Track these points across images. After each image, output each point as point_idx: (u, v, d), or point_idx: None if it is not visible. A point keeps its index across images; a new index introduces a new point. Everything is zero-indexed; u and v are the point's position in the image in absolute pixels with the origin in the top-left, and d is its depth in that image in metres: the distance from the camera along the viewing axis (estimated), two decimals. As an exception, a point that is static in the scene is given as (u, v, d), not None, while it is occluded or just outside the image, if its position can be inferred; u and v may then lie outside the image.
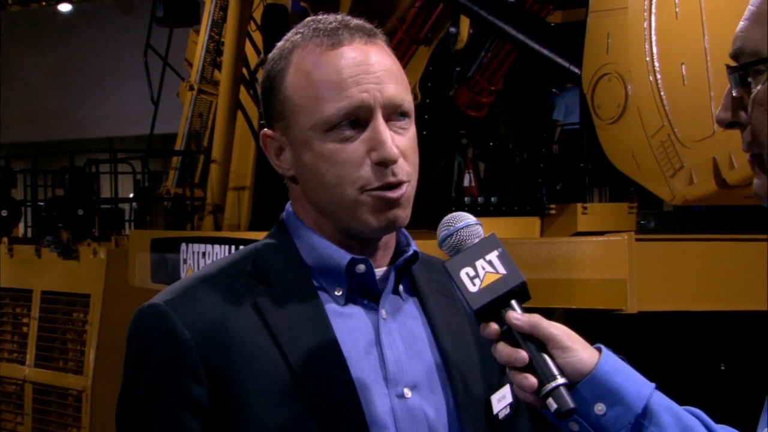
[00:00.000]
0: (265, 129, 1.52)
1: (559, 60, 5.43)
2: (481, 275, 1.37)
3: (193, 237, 6.00)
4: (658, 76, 4.05)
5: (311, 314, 1.45)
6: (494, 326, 1.36)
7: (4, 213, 8.94)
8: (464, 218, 1.42)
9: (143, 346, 1.44)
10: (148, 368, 1.43)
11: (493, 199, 8.05)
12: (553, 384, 1.32)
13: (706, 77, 3.88)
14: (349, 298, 1.48)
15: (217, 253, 5.45)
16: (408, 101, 1.47)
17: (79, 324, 7.63)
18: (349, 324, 1.46)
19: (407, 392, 1.45)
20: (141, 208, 9.25)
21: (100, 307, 7.40)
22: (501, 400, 1.53)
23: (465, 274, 1.37)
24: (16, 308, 8.37)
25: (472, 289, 1.36)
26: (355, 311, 1.48)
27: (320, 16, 1.50)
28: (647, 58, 4.07)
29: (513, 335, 1.35)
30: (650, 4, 4.08)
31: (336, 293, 1.47)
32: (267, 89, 1.50)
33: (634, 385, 1.34)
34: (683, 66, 3.98)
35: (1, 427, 8.15)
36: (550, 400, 1.32)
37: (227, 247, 5.35)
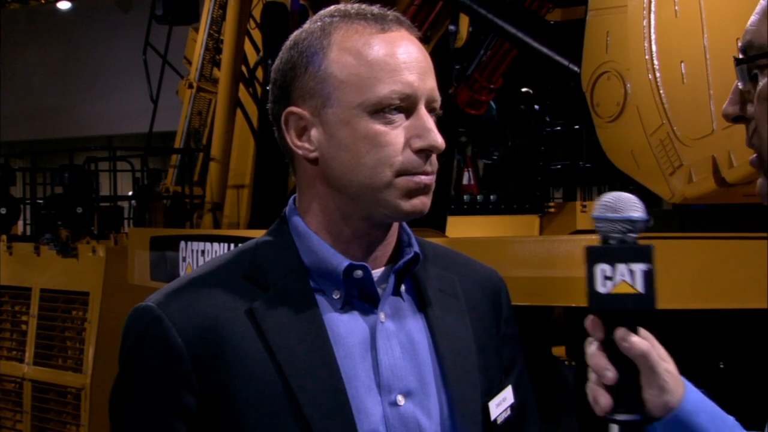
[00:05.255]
0: (291, 107, 1.47)
1: (558, 58, 5.43)
2: (616, 280, 1.26)
3: (192, 235, 5.99)
4: (658, 75, 4.04)
5: (307, 322, 1.42)
6: (600, 330, 1.29)
7: (3, 211, 8.94)
8: (635, 209, 1.29)
9: (135, 349, 1.43)
10: (140, 371, 1.42)
11: (492, 197, 8.05)
12: (627, 417, 1.25)
13: (705, 75, 3.88)
14: (347, 301, 1.46)
15: (216, 251, 5.45)
16: (440, 99, 1.48)
17: (78, 322, 7.63)
18: (346, 328, 1.44)
19: (400, 399, 1.43)
20: (140, 206, 9.25)
21: (99, 304, 7.39)
22: (500, 404, 1.51)
23: (601, 270, 1.27)
24: (15, 306, 8.36)
25: (600, 288, 1.27)
26: (353, 315, 1.46)
27: (354, 4, 1.49)
28: (646, 57, 4.07)
29: (613, 348, 1.27)
30: (650, 2, 4.08)
31: (334, 296, 1.45)
32: (294, 68, 1.46)
33: (714, 423, 1.29)
34: (682, 64, 3.98)
35: (1, 425, 8.15)
36: (615, 428, 1.26)
37: (226, 245, 5.35)
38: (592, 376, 1.29)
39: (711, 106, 3.86)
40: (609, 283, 1.26)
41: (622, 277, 1.26)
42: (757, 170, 1.24)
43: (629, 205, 1.29)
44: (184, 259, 5.77)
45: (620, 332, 1.26)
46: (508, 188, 7.74)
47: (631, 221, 1.28)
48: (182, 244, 5.80)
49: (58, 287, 7.86)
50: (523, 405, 1.57)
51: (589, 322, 1.29)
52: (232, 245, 5.25)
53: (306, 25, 1.49)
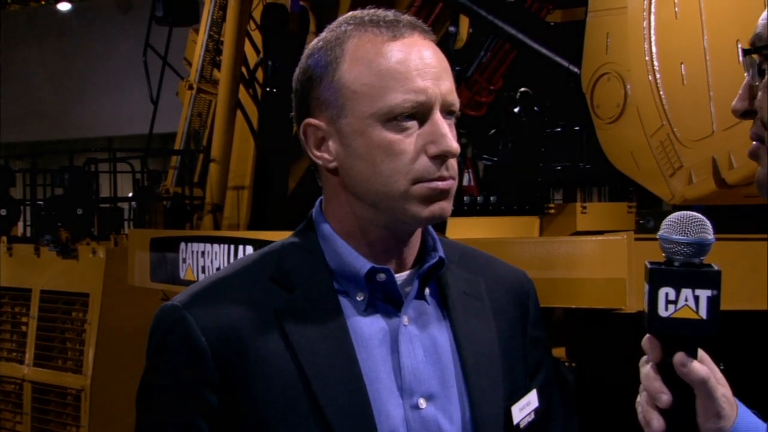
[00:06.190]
0: (308, 118, 1.48)
1: (558, 59, 5.43)
2: (679, 305, 1.23)
3: (192, 236, 5.99)
4: (658, 76, 4.04)
5: (330, 324, 1.43)
6: (658, 352, 1.27)
7: (3, 212, 8.94)
8: (704, 232, 1.27)
9: (160, 347, 1.46)
10: (164, 369, 1.44)
11: (492, 198, 8.04)
12: None
13: (705, 77, 3.88)
14: (371, 304, 1.47)
15: (216, 253, 5.45)
16: (457, 101, 1.47)
17: (78, 323, 7.63)
18: (369, 330, 1.45)
19: (422, 403, 1.44)
20: (140, 208, 9.24)
21: (99, 306, 7.40)
22: (524, 408, 1.51)
23: (664, 293, 1.23)
24: (15, 307, 8.36)
25: (662, 312, 1.23)
26: (376, 318, 1.47)
27: (368, 10, 1.49)
28: (646, 58, 4.07)
29: (670, 371, 1.24)
30: (650, 3, 4.08)
31: (358, 298, 1.46)
32: (311, 78, 1.47)
33: None
34: (682, 65, 3.98)
35: (1, 427, 8.15)
36: None
37: (226, 246, 5.35)
38: (643, 395, 1.27)
39: (711, 107, 3.86)
40: (672, 307, 1.23)
41: (686, 302, 1.23)
42: (756, 159, 1.24)
43: (698, 228, 1.26)
44: (184, 261, 5.77)
45: (679, 357, 1.24)
46: (508, 189, 7.74)
47: (699, 245, 1.25)
48: (182, 245, 5.80)
49: (58, 288, 7.86)
50: (549, 409, 1.57)
51: (647, 342, 1.28)
52: (232, 246, 5.25)
53: (323, 34, 1.50)
